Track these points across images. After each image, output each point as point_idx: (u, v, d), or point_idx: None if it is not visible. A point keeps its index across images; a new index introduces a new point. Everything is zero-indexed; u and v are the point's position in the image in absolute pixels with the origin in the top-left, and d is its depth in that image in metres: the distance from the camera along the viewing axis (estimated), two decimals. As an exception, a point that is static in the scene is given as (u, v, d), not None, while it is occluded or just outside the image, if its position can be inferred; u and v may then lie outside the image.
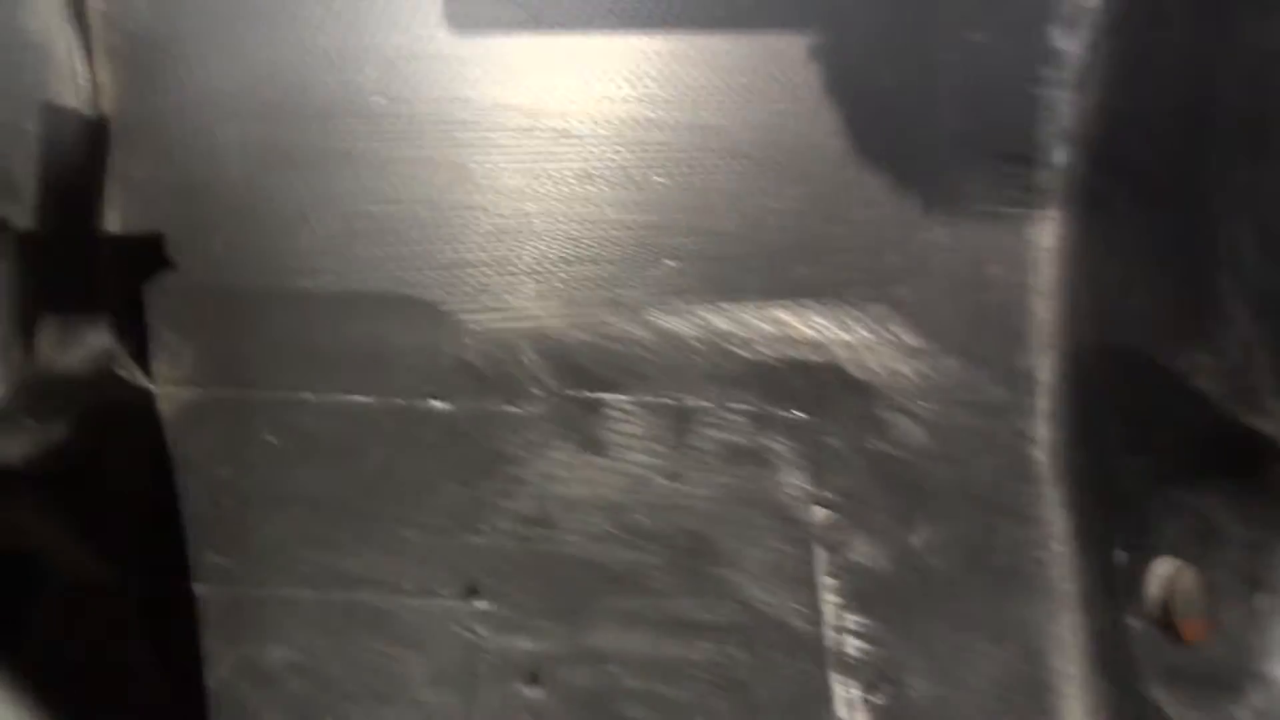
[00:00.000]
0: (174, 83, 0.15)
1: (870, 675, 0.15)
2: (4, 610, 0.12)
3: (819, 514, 0.16)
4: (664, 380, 0.16)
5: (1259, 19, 0.12)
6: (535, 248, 0.16)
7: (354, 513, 0.15)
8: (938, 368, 0.16)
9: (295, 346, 0.15)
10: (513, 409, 0.15)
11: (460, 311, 0.16)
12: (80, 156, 0.15)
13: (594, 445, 0.15)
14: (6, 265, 0.12)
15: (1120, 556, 0.14)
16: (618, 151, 0.16)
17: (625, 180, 0.16)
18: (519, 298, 0.16)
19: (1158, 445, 0.14)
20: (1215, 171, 0.13)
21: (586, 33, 0.15)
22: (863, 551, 0.16)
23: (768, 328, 0.16)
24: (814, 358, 0.16)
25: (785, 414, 0.16)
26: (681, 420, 0.16)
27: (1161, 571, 0.13)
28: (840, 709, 0.15)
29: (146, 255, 0.15)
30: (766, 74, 0.15)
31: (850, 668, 0.15)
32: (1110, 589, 0.14)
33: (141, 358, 0.15)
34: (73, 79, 0.14)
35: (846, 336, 0.16)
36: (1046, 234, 0.16)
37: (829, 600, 0.16)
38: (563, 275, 0.16)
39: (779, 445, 0.16)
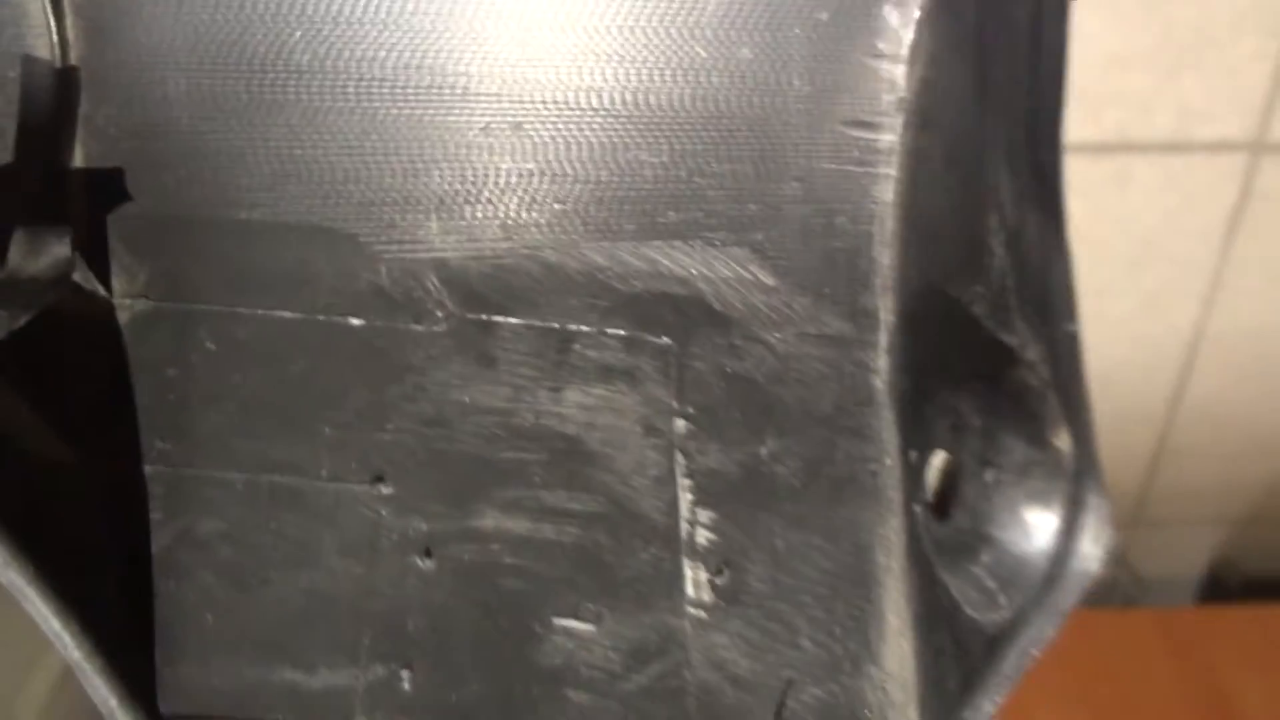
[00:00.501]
0: (131, 37, 0.17)
1: (716, 561, 0.18)
2: None
3: (680, 425, 0.18)
4: (550, 307, 0.18)
5: (1024, 5, 0.15)
6: (440, 190, 0.18)
7: (279, 410, 0.17)
8: (790, 304, 0.19)
9: (233, 268, 0.17)
10: (418, 327, 0.18)
11: (374, 243, 0.18)
12: (52, 101, 0.17)
13: (487, 360, 0.18)
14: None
15: (912, 455, 0.16)
16: (511, 108, 0.18)
17: (517, 133, 0.18)
18: (425, 232, 0.18)
19: (945, 363, 0.16)
20: (990, 131, 0.15)
21: (484, 5, 0.18)
22: (716, 458, 0.18)
23: (641, 265, 0.19)
24: (681, 292, 0.19)
25: (654, 339, 0.18)
26: (564, 342, 0.18)
27: (937, 463, 0.16)
28: (689, 588, 0.18)
29: (107, 188, 0.17)
30: (639, 42, 0.18)
31: (699, 554, 0.18)
32: (909, 486, 0.17)
33: (102, 275, 0.17)
34: (46, 33, 0.17)
35: (710, 274, 0.19)
36: (886, 190, 0.19)
37: (684, 498, 0.18)
38: (464, 214, 0.18)
39: (647, 366, 0.18)
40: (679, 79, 0.18)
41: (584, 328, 0.18)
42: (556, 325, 0.18)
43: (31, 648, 0.73)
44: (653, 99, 0.18)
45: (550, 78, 0.18)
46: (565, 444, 0.18)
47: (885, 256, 0.19)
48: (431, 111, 0.18)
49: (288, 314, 0.18)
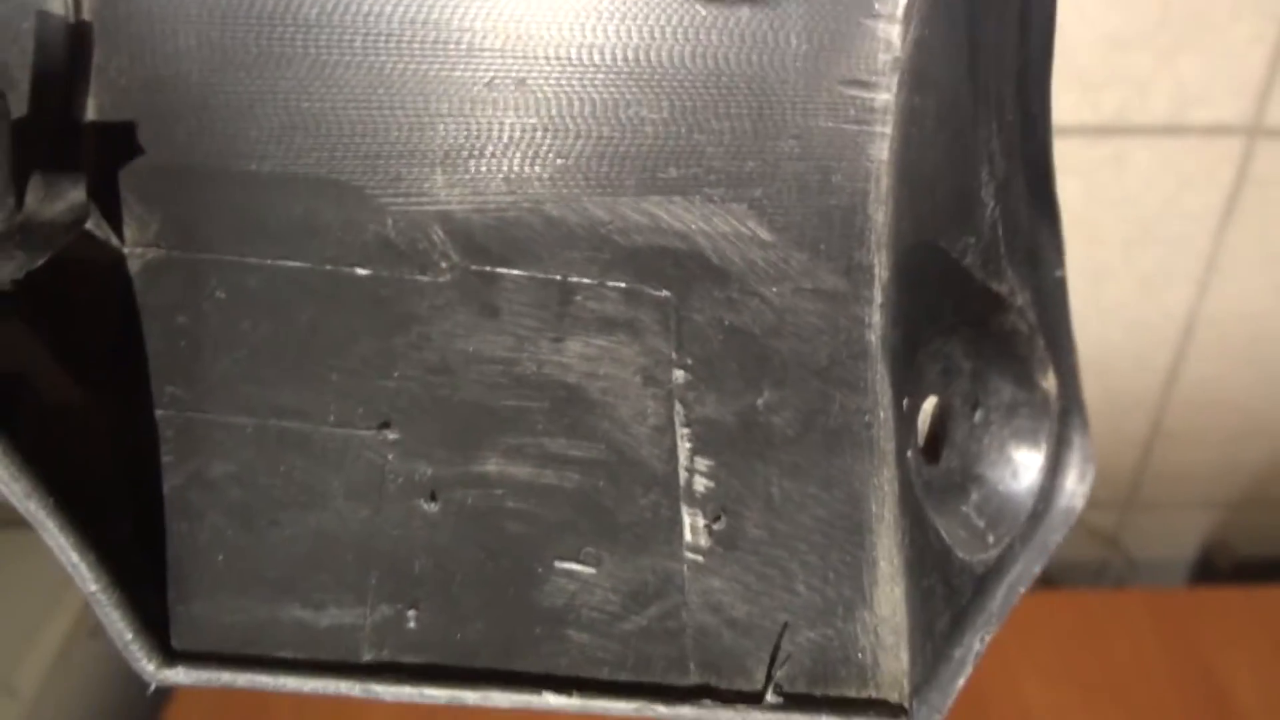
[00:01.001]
0: None
1: (714, 508, 0.18)
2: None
3: (679, 375, 0.18)
4: (552, 260, 0.19)
5: None
6: (445, 143, 0.18)
7: (287, 357, 0.18)
8: (787, 259, 0.19)
9: (243, 219, 0.17)
10: (423, 278, 0.18)
11: (381, 195, 0.18)
12: (65, 54, 0.17)
13: (490, 310, 0.18)
14: (4, 125, 0.15)
15: (904, 404, 0.17)
16: (515, 64, 0.18)
17: (521, 89, 0.18)
18: (430, 185, 0.18)
19: (936, 313, 0.17)
20: (981, 88, 0.16)
21: None
22: (714, 408, 0.18)
23: (641, 219, 0.19)
24: (680, 246, 0.19)
25: (654, 292, 0.19)
26: (565, 293, 0.18)
27: (928, 408, 0.16)
28: (687, 533, 0.18)
29: (119, 139, 0.18)
30: (641, 0, 0.18)
31: (697, 501, 0.18)
32: (902, 434, 0.17)
33: (115, 224, 0.18)
34: (60, -14, 0.17)
35: (709, 229, 0.19)
36: (881, 148, 0.19)
37: (683, 446, 0.18)
38: (468, 168, 0.18)
39: (647, 318, 0.19)
40: (679, 36, 0.18)
41: (585, 280, 0.19)
42: (558, 277, 0.19)
43: (31, 621, 0.74)
44: (654, 56, 0.18)
45: (553, 34, 0.18)
46: (567, 393, 0.18)
47: (880, 214, 0.19)
48: (437, 66, 0.18)
49: (296, 264, 0.18)
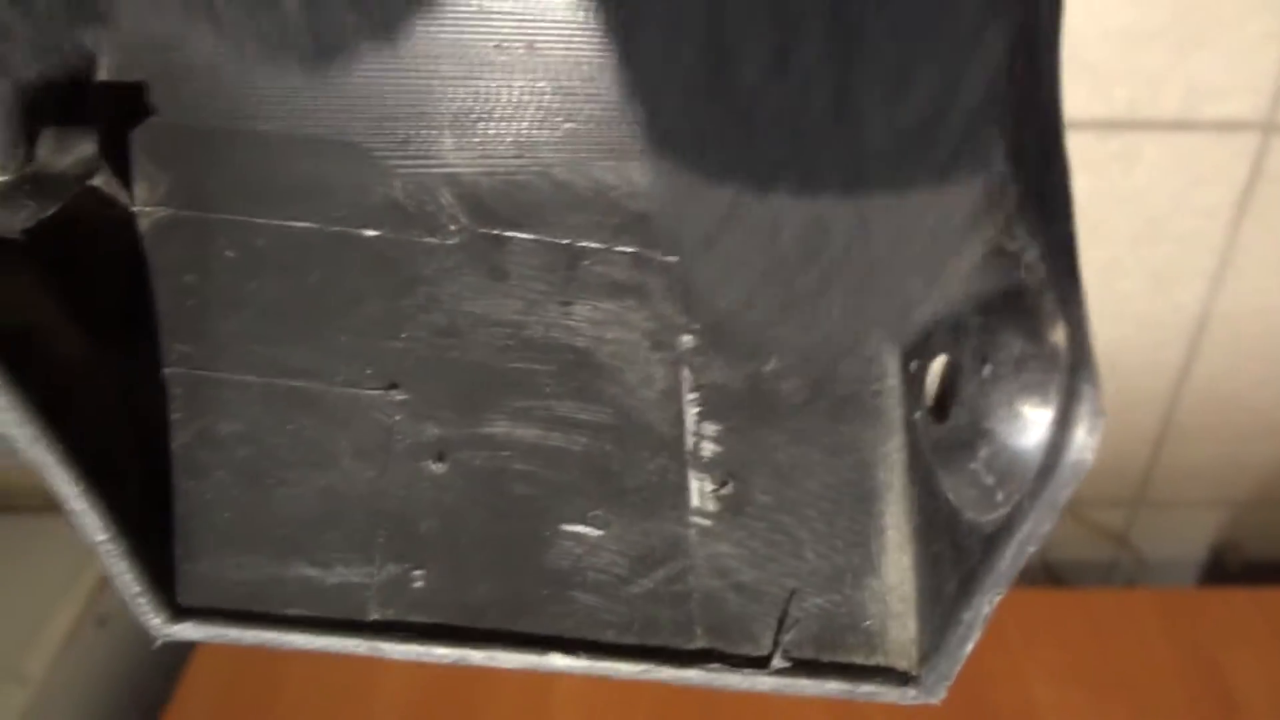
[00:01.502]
0: None
1: (721, 473, 0.18)
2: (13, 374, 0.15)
3: (686, 340, 0.18)
4: (560, 223, 0.19)
5: None
6: (454, 106, 0.18)
7: (295, 317, 0.18)
8: None
9: (252, 179, 0.18)
10: (431, 240, 0.18)
11: (389, 158, 0.18)
12: (79, 16, 0.18)
13: (499, 273, 0.18)
14: (10, 83, 0.15)
15: (913, 365, 0.17)
16: (525, 26, 0.18)
17: (531, 52, 0.18)
18: (439, 148, 0.18)
19: (947, 276, 0.16)
20: (993, 50, 0.16)
21: None
22: (721, 374, 0.18)
23: (649, 184, 0.19)
24: None
25: (662, 257, 0.19)
26: (573, 257, 0.18)
27: (936, 368, 0.16)
28: (694, 498, 0.18)
29: (129, 99, 0.18)
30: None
31: (704, 466, 0.18)
32: (910, 397, 0.17)
33: (125, 183, 0.18)
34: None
35: (718, 195, 0.19)
36: None
37: (690, 411, 0.18)
38: (477, 130, 0.18)
39: (655, 283, 0.18)
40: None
41: (593, 244, 0.19)
42: (566, 241, 0.18)
43: (39, 610, 0.74)
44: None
45: None
46: (575, 356, 0.18)
47: None
48: (447, 29, 0.18)
49: (304, 224, 0.18)
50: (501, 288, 0.18)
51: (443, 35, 0.18)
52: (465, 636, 0.17)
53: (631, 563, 0.18)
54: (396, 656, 0.17)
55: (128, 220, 0.18)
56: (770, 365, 0.19)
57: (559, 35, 0.18)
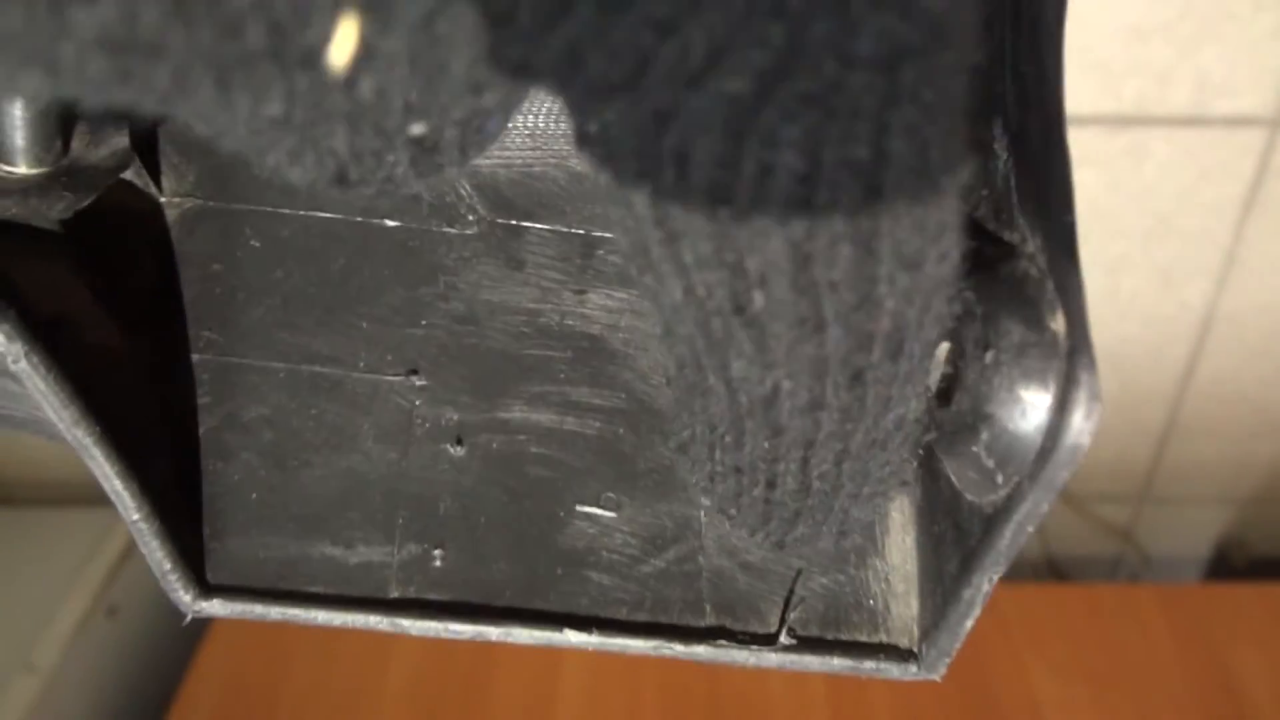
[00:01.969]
0: None
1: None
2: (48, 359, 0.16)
3: None
4: (575, 214, 0.19)
5: None
6: None
7: (319, 305, 0.18)
8: None
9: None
10: (450, 230, 0.19)
11: None
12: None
13: (515, 263, 0.19)
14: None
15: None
16: None
17: None
18: None
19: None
20: (995, 44, 0.16)
21: None
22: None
23: (663, 176, 0.19)
24: None
25: None
26: (588, 247, 0.19)
27: (940, 355, 0.16)
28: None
29: None
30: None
31: (714, 451, 0.19)
32: (915, 384, 0.18)
33: (154, 175, 0.18)
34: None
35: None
36: None
37: (700, 397, 0.19)
38: None
39: None
40: None
41: (607, 234, 0.19)
42: (581, 231, 0.19)
43: (50, 600, 0.75)
44: None
45: None
46: (589, 343, 0.19)
47: None
48: None
49: (327, 214, 0.19)
50: (518, 276, 0.19)
51: None
52: (483, 613, 0.18)
53: (643, 543, 0.18)
54: (416, 633, 0.17)
55: (157, 211, 0.18)
56: None
57: None
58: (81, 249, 0.17)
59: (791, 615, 0.18)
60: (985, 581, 0.16)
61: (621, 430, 0.19)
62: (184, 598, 0.17)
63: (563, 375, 0.19)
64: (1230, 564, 0.95)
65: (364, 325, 0.18)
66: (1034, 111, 0.15)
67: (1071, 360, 0.14)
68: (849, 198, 0.10)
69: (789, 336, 0.11)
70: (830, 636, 0.18)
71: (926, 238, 0.11)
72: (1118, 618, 0.76)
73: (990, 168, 0.16)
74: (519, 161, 0.19)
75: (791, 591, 0.18)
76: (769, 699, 0.67)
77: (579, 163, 0.19)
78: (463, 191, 0.19)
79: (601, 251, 0.19)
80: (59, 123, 0.16)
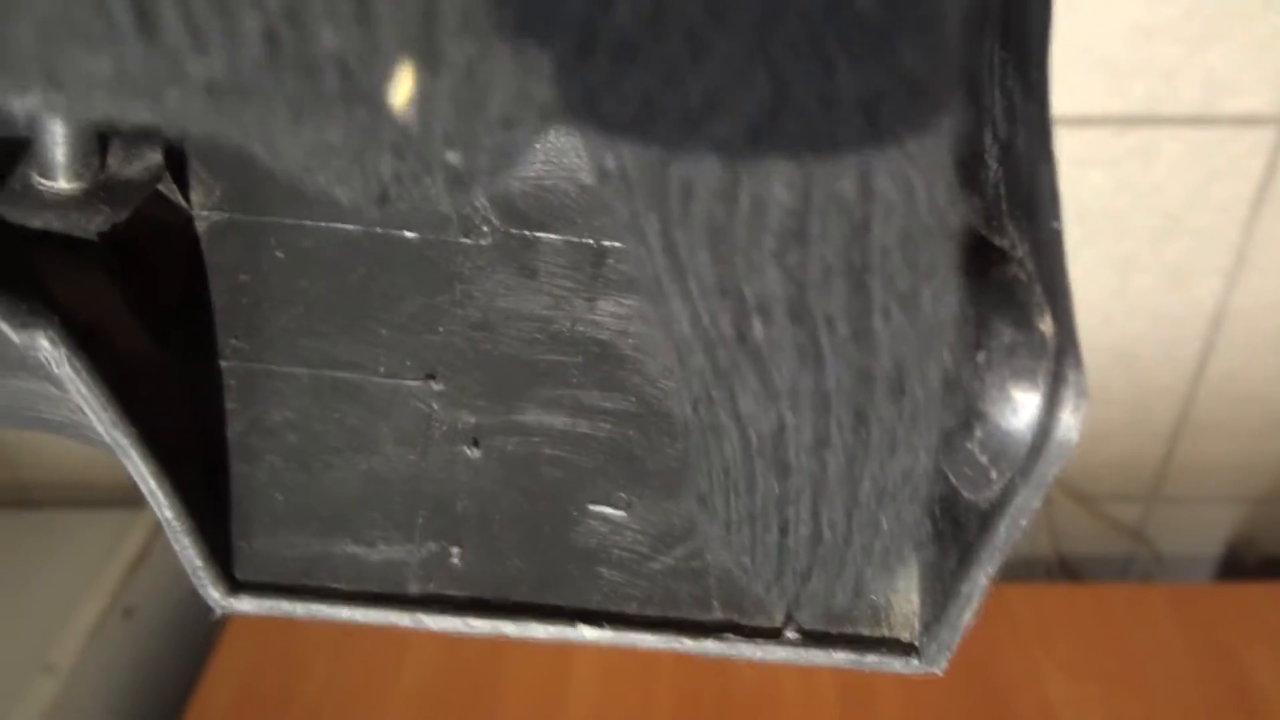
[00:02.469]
0: None
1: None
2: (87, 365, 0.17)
3: None
4: (585, 225, 0.20)
5: None
6: None
7: (340, 313, 0.19)
8: None
9: (299, 185, 0.19)
10: (466, 240, 0.19)
11: None
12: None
13: (529, 271, 0.19)
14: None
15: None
16: None
17: None
18: None
19: None
20: (985, 55, 0.17)
21: None
22: None
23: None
24: None
25: None
26: (598, 256, 0.20)
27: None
28: (711, 480, 0.19)
29: None
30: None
31: (721, 451, 0.19)
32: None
33: (183, 189, 0.19)
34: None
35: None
36: None
37: (707, 399, 0.20)
38: None
39: None
40: None
41: (616, 244, 0.20)
42: (591, 242, 0.20)
43: (67, 600, 0.76)
44: None
45: None
46: (599, 349, 0.19)
47: None
48: None
49: (348, 226, 0.19)
50: (531, 285, 0.20)
51: None
52: (499, 609, 0.18)
53: (652, 541, 0.19)
54: (435, 628, 0.18)
55: (186, 224, 0.19)
56: None
57: None
58: (116, 260, 0.18)
59: (796, 611, 0.19)
60: (983, 576, 0.16)
61: (631, 432, 0.19)
62: (213, 594, 0.18)
63: (575, 380, 0.19)
64: (1242, 563, 0.95)
65: (384, 332, 0.19)
66: (1022, 122, 0.16)
67: (1059, 359, 0.14)
68: (838, 232, 0.10)
69: (789, 367, 0.12)
70: (834, 631, 0.19)
71: (919, 275, 0.11)
72: (1129, 617, 0.76)
73: (981, 177, 0.16)
74: (532, 175, 0.20)
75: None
76: (779, 702, 0.68)
77: (588, 177, 0.20)
78: (478, 204, 0.20)
79: (611, 260, 0.20)
80: (96, 138, 0.17)
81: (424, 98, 0.10)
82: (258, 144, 0.11)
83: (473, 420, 0.19)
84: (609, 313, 0.20)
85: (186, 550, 0.17)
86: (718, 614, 0.19)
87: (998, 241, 0.16)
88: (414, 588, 0.18)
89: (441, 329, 0.19)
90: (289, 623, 0.18)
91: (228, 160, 0.20)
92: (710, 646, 0.18)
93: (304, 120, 0.10)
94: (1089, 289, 0.79)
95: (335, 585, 0.18)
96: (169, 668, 0.78)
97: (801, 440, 0.13)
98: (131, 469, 0.16)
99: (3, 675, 0.71)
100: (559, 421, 0.19)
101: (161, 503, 0.17)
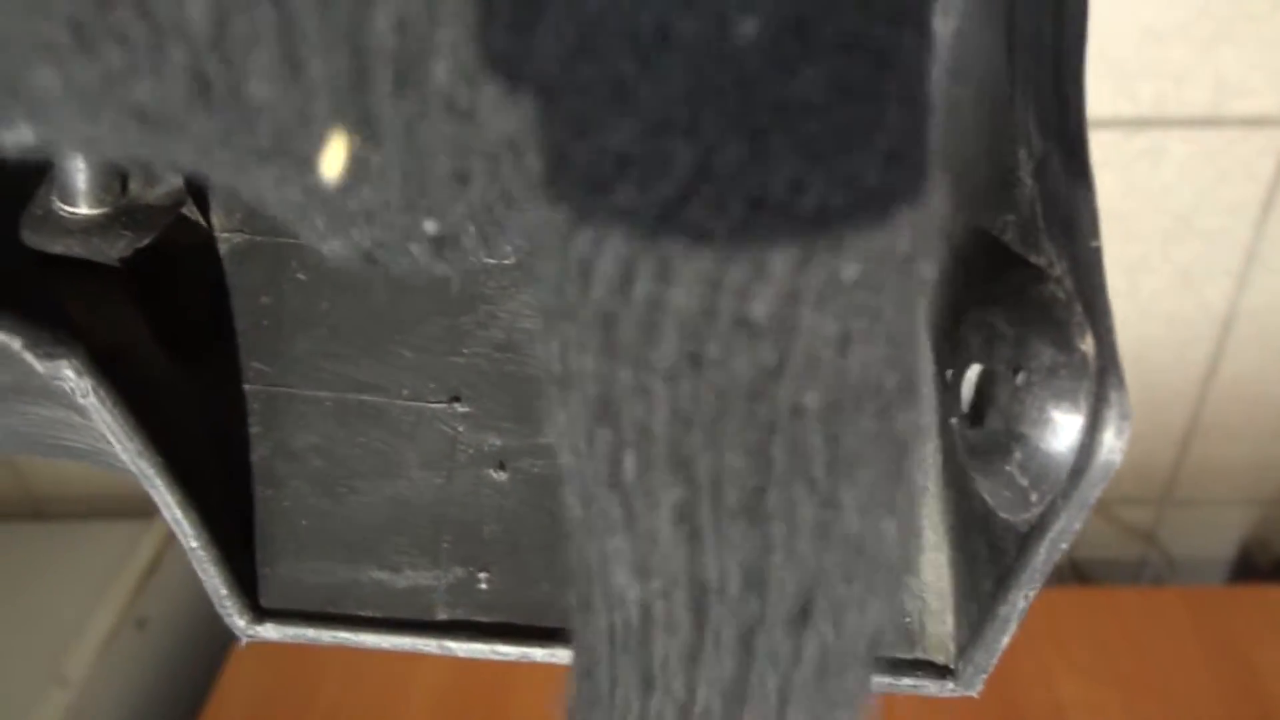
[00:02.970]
0: None
1: None
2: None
3: None
4: None
5: None
6: None
7: (363, 335, 0.19)
8: None
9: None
10: (489, 260, 0.19)
11: None
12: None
13: None
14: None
15: (947, 375, 0.18)
16: None
17: None
18: None
19: (976, 288, 0.17)
20: (1018, 74, 0.17)
21: None
22: None
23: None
24: None
25: None
26: None
27: (971, 377, 0.17)
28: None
29: None
30: None
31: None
32: (945, 405, 0.18)
33: (204, 211, 0.19)
34: None
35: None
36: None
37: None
38: None
39: None
40: None
41: None
42: None
43: (80, 612, 0.76)
44: None
45: None
46: None
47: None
48: None
49: None
50: None
51: None
52: (528, 634, 0.18)
53: None
54: (463, 654, 0.18)
55: (207, 246, 0.19)
56: None
57: None
58: (137, 283, 0.18)
59: None
60: (1021, 599, 0.16)
61: None
62: (239, 622, 0.18)
63: None
64: (1255, 565, 0.94)
65: (407, 354, 0.19)
66: (1057, 139, 0.15)
67: (1102, 380, 0.14)
68: (743, 368, 0.08)
69: (663, 531, 0.09)
70: None
71: (842, 471, 0.09)
72: (1142, 620, 0.76)
73: (1016, 194, 0.16)
74: None
75: None
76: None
77: None
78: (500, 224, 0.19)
79: None
80: (119, 166, 0.17)
81: (365, 169, 0.09)
82: (214, 177, 0.11)
83: (498, 443, 0.19)
84: None
85: (212, 579, 0.17)
86: None
87: (1034, 259, 0.16)
88: (441, 613, 0.18)
89: (465, 351, 0.19)
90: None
91: None
92: None
93: (247, 171, 0.10)
94: (1099, 291, 0.79)
95: (361, 612, 0.18)
96: (182, 679, 0.78)
97: (679, 638, 0.10)
98: (156, 497, 0.16)
99: (16, 687, 0.71)
100: None
101: (187, 532, 0.16)
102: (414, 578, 0.18)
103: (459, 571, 0.18)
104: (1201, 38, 0.70)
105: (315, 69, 0.09)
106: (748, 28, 0.08)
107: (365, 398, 0.19)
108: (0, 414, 0.18)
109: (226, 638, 0.72)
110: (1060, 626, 0.73)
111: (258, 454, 0.19)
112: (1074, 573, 0.91)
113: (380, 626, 0.18)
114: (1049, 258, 0.15)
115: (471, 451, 0.19)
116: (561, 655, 0.18)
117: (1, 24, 0.09)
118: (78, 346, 0.15)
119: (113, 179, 0.17)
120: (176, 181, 0.18)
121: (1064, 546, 0.15)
